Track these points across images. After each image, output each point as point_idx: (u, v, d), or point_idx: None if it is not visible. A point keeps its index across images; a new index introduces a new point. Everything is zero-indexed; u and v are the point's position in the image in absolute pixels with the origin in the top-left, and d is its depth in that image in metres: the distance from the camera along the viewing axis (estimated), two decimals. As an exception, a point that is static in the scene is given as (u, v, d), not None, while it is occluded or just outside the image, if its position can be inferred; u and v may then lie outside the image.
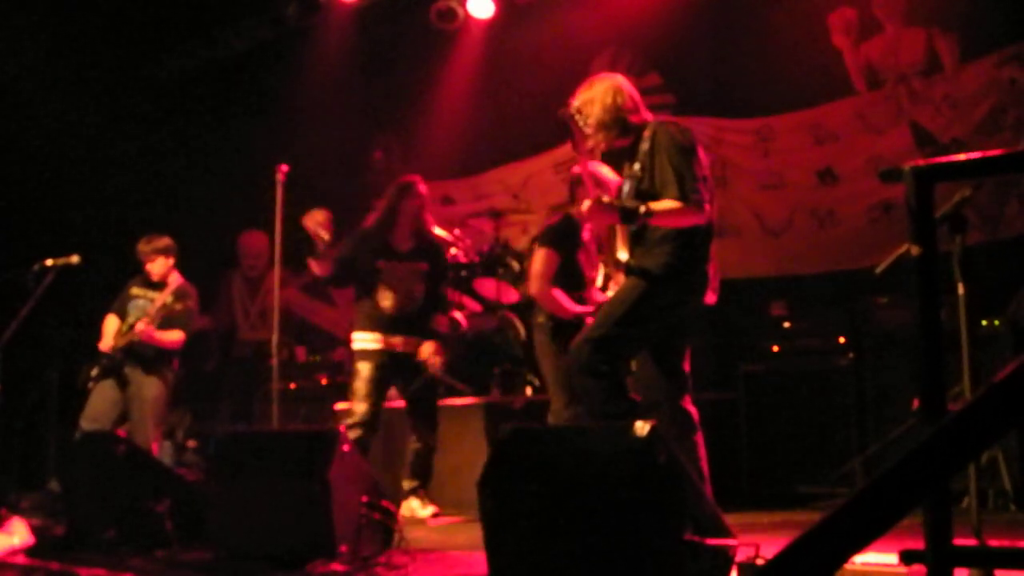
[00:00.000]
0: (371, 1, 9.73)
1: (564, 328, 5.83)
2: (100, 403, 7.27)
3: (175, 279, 7.55)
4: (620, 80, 4.93)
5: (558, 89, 5.24)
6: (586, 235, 6.07)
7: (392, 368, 6.50)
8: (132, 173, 10.62)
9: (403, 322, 6.53)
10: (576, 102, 4.82)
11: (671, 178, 4.54)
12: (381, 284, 6.52)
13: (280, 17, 10.00)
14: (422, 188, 6.67)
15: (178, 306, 7.32)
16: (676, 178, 4.53)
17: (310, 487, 4.42)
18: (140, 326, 7.21)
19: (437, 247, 6.80)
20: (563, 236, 6.03)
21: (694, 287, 4.68)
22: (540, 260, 5.99)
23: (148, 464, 5.59)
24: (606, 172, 5.53)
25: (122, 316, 7.49)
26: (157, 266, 7.53)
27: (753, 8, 8.47)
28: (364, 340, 6.53)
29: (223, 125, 10.86)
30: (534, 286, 6.04)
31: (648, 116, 4.86)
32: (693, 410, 4.71)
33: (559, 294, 5.92)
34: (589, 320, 5.26)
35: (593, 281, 6.08)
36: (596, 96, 4.82)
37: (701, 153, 4.69)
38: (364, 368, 6.43)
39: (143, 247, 7.56)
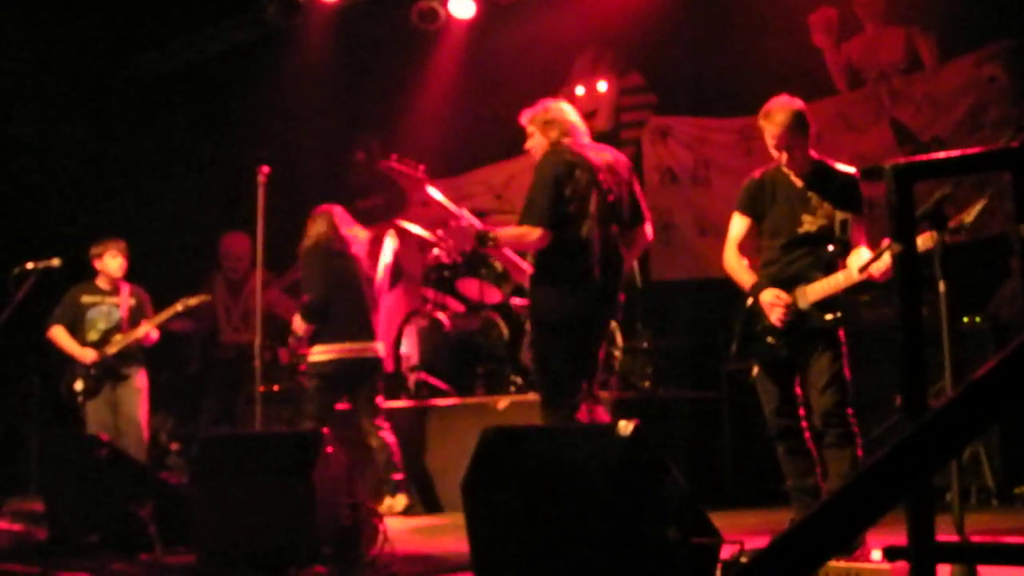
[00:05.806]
0: (352, 2, 9.71)
1: None
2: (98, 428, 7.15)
3: (123, 283, 7.56)
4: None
5: (540, 89, 5.25)
6: None
7: None
8: (113, 175, 10.57)
9: None
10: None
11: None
12: None
13: (261, 18, 9.96)
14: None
15: (148, 309, 7.47)
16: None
17: (294, 489, 4.41)
18: (144, 329, 7.29)
19: None
20: None
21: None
22: None
23: (130, 467, 5.55)
24: None
25: (73, 327, 7.40)
26: (116, 267, 7.48)
27: (735, 8, 8.49)
28: None
29: (204, 127, 10.82)
30: None
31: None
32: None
33: None
34: None
35: None
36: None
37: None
38: None
39: (104, 249, 7.50)
